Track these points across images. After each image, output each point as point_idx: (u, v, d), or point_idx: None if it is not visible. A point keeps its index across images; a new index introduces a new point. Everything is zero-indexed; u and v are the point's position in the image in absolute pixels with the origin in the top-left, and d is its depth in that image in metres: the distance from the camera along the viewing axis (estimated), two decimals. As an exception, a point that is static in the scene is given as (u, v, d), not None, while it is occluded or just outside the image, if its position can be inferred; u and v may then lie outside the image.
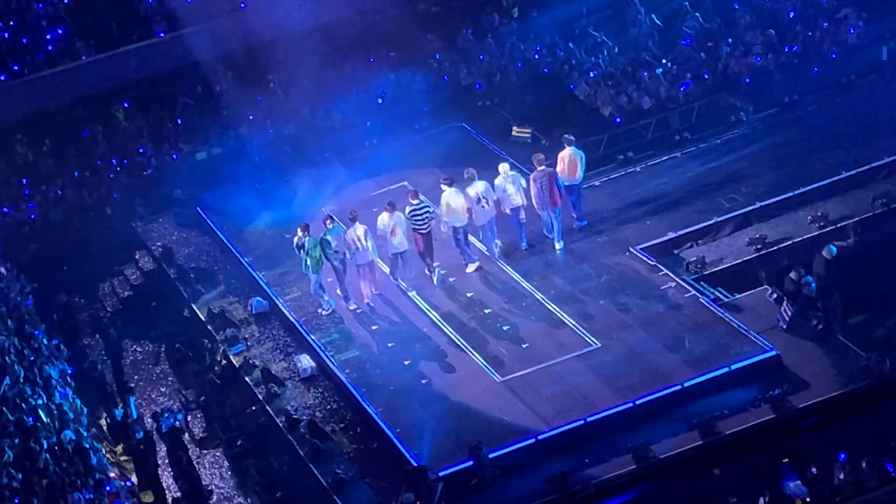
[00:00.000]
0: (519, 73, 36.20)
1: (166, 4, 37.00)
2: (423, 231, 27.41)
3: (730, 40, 34.73)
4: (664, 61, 34.58)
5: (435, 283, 27.65)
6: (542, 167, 27.79)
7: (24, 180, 34.51)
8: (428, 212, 27.35)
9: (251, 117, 35.48)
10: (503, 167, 27.90)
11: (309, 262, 27.05)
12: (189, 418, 26.35)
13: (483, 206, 27.54)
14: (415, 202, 27.35)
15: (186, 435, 25.80)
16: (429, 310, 26.87)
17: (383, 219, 26.98)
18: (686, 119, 32.46)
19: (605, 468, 22.59)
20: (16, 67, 36.30)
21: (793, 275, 25.08)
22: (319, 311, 27.51)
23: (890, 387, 23.23)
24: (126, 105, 36.37)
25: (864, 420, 22.80)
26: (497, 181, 27.62)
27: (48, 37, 37.02)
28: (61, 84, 36.04)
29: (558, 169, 28.13)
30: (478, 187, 27.52)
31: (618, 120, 32.90)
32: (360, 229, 26.96)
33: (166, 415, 25.55)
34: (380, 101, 35.36)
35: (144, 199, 33.71)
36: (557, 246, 28.03)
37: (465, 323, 26.48)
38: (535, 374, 24.78)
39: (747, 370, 23.95)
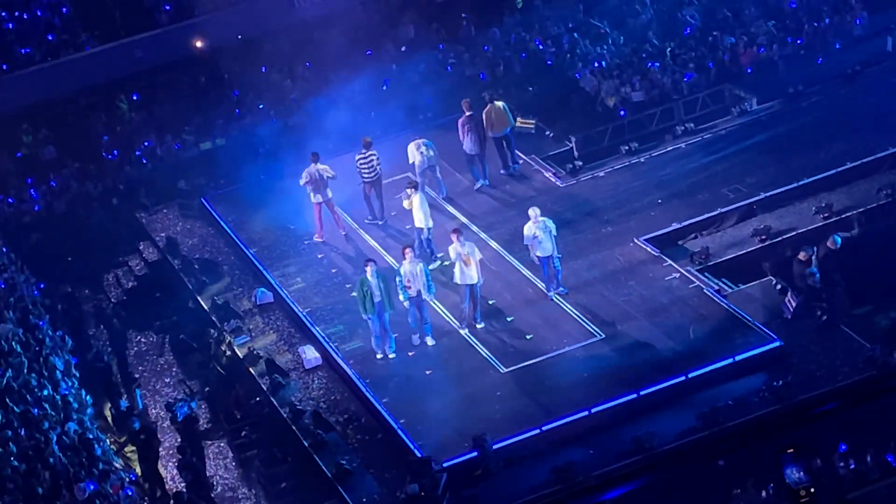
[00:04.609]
0: (523, 63, 36.21)
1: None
2: (368, 180, 29.40)
3: (734, 32, 34.76)
4: (668, 52, 34.56)
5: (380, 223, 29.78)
6: (470, 112, 29.99)
7: (29, 171, 34.55)
8: (374, 160, 29.20)
9: (260, 106, 35.51)
10: (533, 212, 26.21)
11: (374, 301, 25.17)
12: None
13: (422, 153, 29.60)
14: (364, 151, 29.27)
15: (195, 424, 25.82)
16: (433, 301, 26.84)
17: (455, 248, 25.69)
18: (690, 110, 32.41)
19: (609, 459, 22.57)
20: (20, 58, 36.33)
21: (801, 255, 25.07)
22: (390, 355, 25.77)
23: (894, 378, 23.20)
24: (130, 95, 36.41)
25: (869, 411, 22.79)
26: (526, 227, 26.15)
27: (52, 28, 37.06)
28: (65, 74, 36.08)
29: (486, 125, 30.31)
30: (419, 143, 29.75)
31: (622, 113, 32.89)
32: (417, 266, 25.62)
33: (180, 403, 25.56)
34: (384, 88, 35.46)
35: (149, 190, 33.73)
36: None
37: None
38: (539, 365, 24.77)
39: (751, 361, 23.92)
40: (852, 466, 21.26)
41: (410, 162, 29.95)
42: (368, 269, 25.29)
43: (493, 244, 28.47)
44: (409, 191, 27.89)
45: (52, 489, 22.09)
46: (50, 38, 36.86)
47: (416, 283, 25.31)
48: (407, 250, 25.72)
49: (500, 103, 30.59)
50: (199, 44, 36.50)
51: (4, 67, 36.14)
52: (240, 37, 36.58)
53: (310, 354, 26.35)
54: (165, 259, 31.19)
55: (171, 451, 25.50)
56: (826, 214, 27.40)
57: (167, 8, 37.34)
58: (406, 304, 25.54)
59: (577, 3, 37.75)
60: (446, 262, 26.57)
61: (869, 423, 22.27)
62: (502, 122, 30.53)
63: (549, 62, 35.73)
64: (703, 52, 34.40)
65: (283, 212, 31.09)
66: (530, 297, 26.68)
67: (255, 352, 26.86)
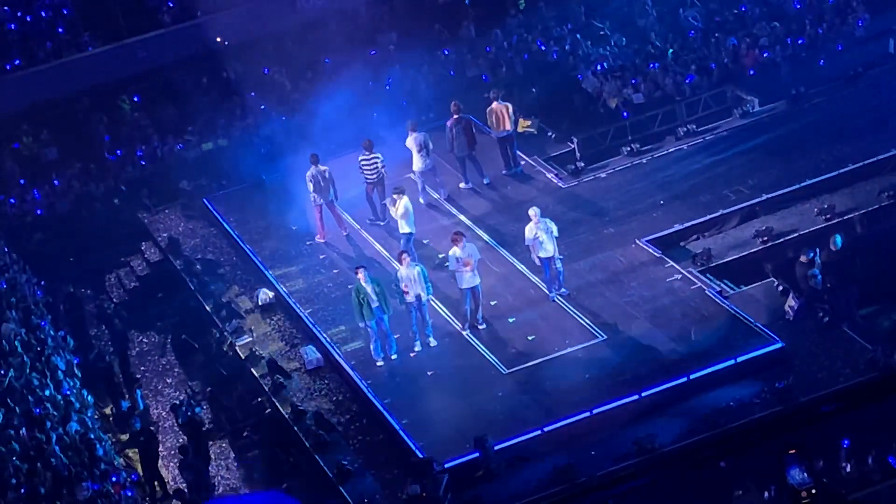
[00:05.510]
0: (525, 64, 36.23)
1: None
2: (371, 181, 29.59)
3: (737, 34, 34.77)
4: (670, 53, 34.58)
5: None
6: (458, 115, 30.04)
7: (31, 171, 34.55)
8: (377, 162, 29.32)
9: (263, 107, 35.52)
10: (533, 212, 26.06)
11: (373, 307, 24.96)
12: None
13: (422, 155, 29.62)
14: (367, 153, 29.41)
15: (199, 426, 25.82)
16: (435, 301, 26.84)
17: (455, 253, 25.57)
18: (692, 111, 32.41)
19: (610, 460, 22.58)
20: (23, 59, 36.35)
21: (802, 258, 25.08)
22: (392, 356, 25.67)
23: (896, 379, 23.24)
24: (133, 96, 36.43)
25: (871, 412, 22.79)
26: (528, 228, 26.01)
27: (55, 28, 37.08)
28: (68, 75, 36.09)
29: (489, 123, 30.66)
30: (417, 137, 29.63)
31: (625, 115, 32.89)
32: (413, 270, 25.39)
33: (184, 408, 25.55)
34: (386, 88, 35.51)
35: (151, 190, 33.75)
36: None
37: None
38: (540, 366, 24.78)
39: (753, 362, 23.93)
40: (853, 468, 21.25)
41: (407, 145, 29.86)
42: (360, 275, 25.19)
43: (494, 245, 28.47)
44: (395, 196, 27.89)
45: (53, 489, 22.09)
46: (52, 38, 36.86)
47: (415, 287, 25.27)
48: (403, 255, 25.71)
49: (506, 104, 30.65)
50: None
51: (7, 67, 36.17)
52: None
53: (312, 355, 26.35)
54: (167, 259, 31.20)
55: (172, 452, 25.52)
56: (828, 216, 27.41)
57: (171, 5, 37.37)
58: (404, 308, 25.50)
59: (580, 4, 37.79)
60: (446, 263, 26.53)
61: (870, 425, 22.28)
62: (502, 123, 30.56)
63: (555, 56, 35.71)
64: (706, 53, 34.41)
65: (285, 212, 31.09)
66: (532, 298, 26.68)
67: (256, 352, 26.87)
